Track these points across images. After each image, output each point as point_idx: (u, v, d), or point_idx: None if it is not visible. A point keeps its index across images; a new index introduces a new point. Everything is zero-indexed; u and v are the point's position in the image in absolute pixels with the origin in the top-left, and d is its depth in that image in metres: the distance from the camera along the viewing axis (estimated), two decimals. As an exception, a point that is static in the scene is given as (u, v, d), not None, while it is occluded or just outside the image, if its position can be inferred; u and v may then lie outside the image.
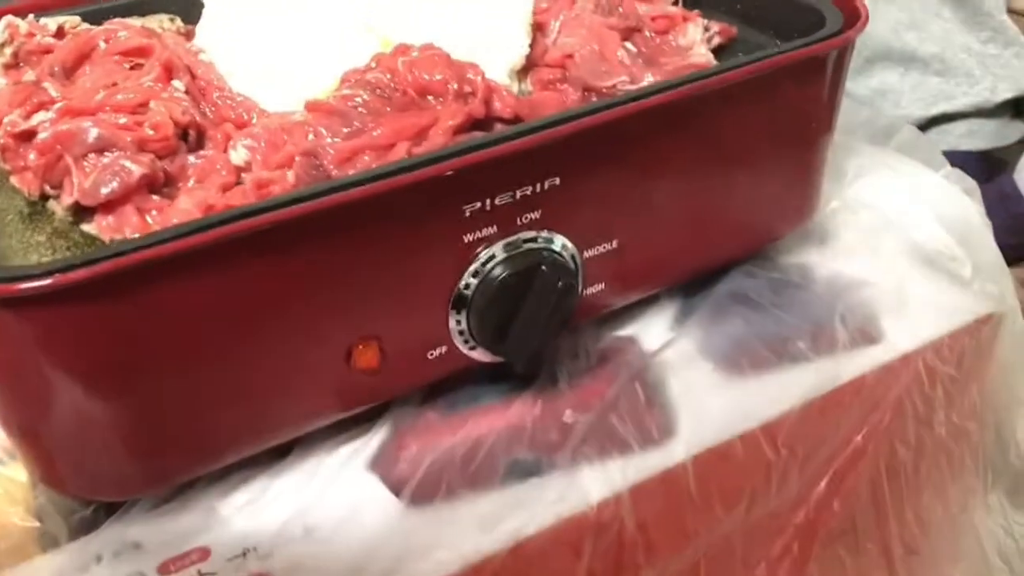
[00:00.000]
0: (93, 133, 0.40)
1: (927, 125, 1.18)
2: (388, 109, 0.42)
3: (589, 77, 0.47)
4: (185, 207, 0.39)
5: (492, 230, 0.41)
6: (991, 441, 0.52)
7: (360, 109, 0.42)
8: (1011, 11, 1.20)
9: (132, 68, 0.49)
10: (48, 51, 0.51)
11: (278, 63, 0.46)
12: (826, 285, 0.50)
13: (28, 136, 0.42)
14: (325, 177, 0.40)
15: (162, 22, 0.55)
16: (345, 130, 0.42)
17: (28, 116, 0.43)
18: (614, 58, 0.47)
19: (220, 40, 0.49)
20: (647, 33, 0.50)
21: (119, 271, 0.33)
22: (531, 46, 0.51)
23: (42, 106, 0.44)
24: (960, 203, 0.54)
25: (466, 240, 0.41)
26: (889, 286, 0.50)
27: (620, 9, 0.51)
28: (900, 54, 1.17)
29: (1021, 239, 1.07)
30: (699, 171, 0.47)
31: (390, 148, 0.40)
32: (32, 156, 0.41)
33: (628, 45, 0.49)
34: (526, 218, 0.42)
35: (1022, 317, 0.58)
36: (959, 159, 1.16)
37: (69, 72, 0.49)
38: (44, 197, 0.42)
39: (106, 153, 0.40)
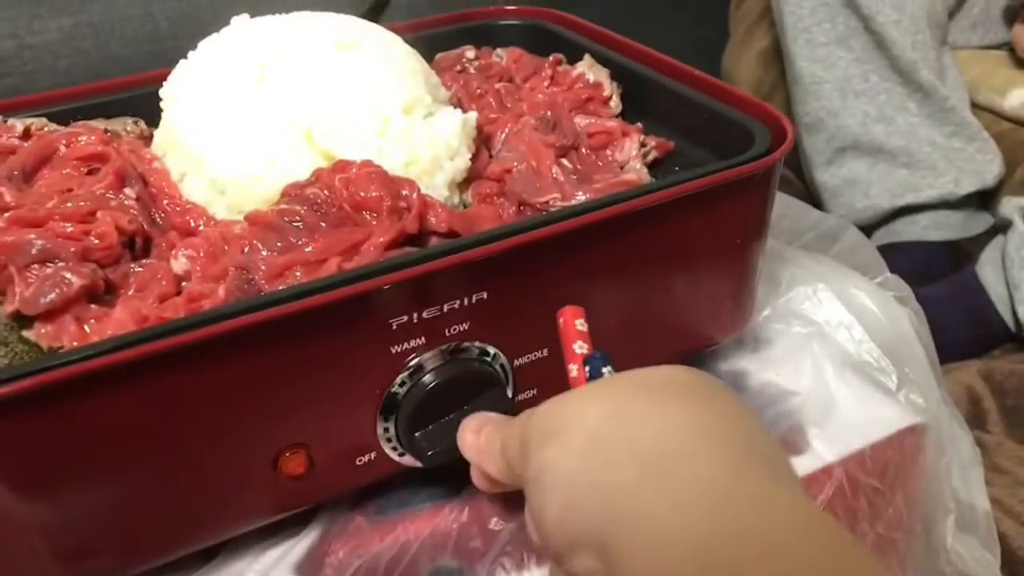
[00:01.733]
0: (37, 245, 0.42)
1: (895, 215, 1.21)
2: (324, 224, 0.44)
3: (524, 193, 0.49)
4: (120, 318, 0.41)
5: (420, 341, 0.43)
6: (920, 550, 0.52)
7: (296, 223, 0.44)
8: (975, 105, 1.24)
9: (89, 173, 0.51)
10: (13, 151, 0.54)
11: (225, 171, 0.48)
12: (756, 395, 0.51)
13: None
14: (256, 291, 0.41)
15: (126, 125, 0.57)
16: (279, 244, 0.43)
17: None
18: (548, 175, 0.50)
19: (175, 146, 0.51)
20: (583, 150, 0.53)
21: (44, 386, 0.35)
22: (475, 158, 0.53)
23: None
24: (891, 312, 0.56)
25: (393, 351, 0.43)
26: (815, 396, 0.51)
27: (560, 126, 0.53)
28: (868, 146, 1.20)
29: (983, 331, 1.09)
30: (628, 284, 0.48)
31: (321, 264, 0.42)
32: (-23, 264, 0.43)
33: (564, 162, 0.51)
34: (454, 329, 0.44)
35: (963, 421, 0.59)
36: (925, 249, 1.20)
37: (29, 175, 0.51)
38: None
39: (49, 264, 0.42)
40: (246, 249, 0.43)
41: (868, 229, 1.22)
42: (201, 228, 0.47)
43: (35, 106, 0.59)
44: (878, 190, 1.20)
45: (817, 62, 1.22)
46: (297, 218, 0.44)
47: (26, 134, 0.55)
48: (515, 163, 0.51)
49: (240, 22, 0.53)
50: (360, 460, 0.44)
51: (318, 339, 0.40)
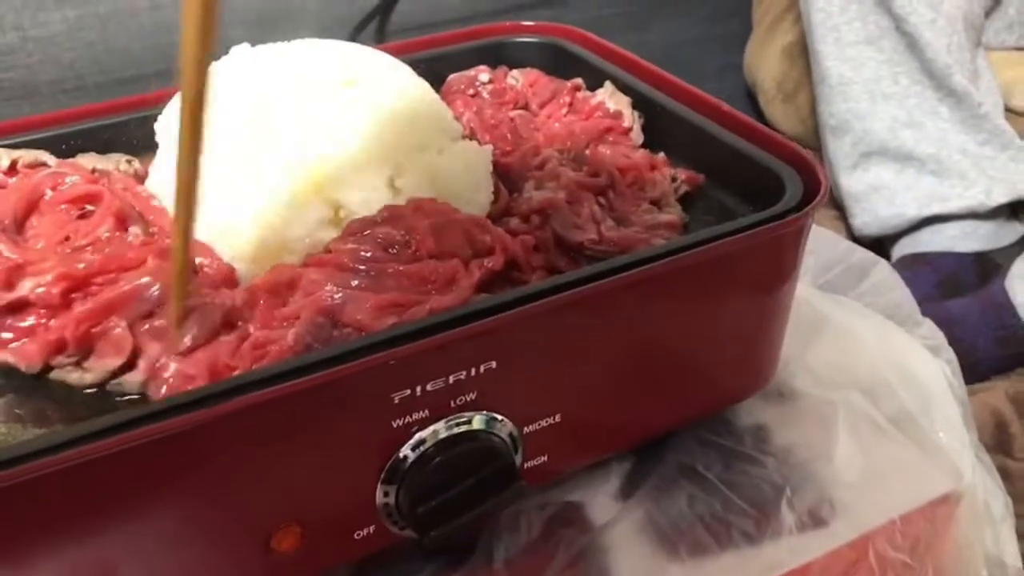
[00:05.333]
0: (154, 291, 0.40)
1: (921, 224, 1.17)
2: (399, 267, 0.42)
3: (561, 229, 0.46)
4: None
5: (423, 414, 0.40)
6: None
7: (364, 266, 0.42)
8: (1009, 110, 1.19)
9: (81, 216, 0.49)
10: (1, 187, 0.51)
11: (227, 219, 0.45)
12: (779, 459, 0.48)
13: (18, 307, 0.42)
14: (328, 335, 0.39)
15: (119, 163, 0.54)
16: (355, 283, 0.41)
17: (7, 286, 0.42)
18: (585, 214, 0.47)
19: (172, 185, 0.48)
20: (618, 187, 0.49)
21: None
22: (494, 195, 0.50)
23: (14, 272, 0.42)
24: (925, 367, 0.53)
25: (395, 425, 0.40)
26: (842, 462, 0.48)
27: (586, 161, 0.50)
28: (896, 152, 1.16)
29: (1012, 350, 1.05)
30: (650, 343, 0.46)
31: (412, 306, 0.40)
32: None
33: (601, 200, 0.48)
34: (460, 400, 0.41)
35: (997, 474, 0.56)
36: (953, 261, 1.16)
37: (20, 224, 0.48)
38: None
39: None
40: (331, 291, 0.40)
41: (893, 237, 1.18)
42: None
43: (28, 129, 0.56)
44: (904, 198, 1.16)
45: (845, 62, 1.17)
46: (367, 260, 0.42)
47: (12, 168, 0.52)
48: (548, 202, 0.47)
49: (240, 53, 0.50)
50: (359, 534, 0.42)
51: (313, 413, 0.38)
